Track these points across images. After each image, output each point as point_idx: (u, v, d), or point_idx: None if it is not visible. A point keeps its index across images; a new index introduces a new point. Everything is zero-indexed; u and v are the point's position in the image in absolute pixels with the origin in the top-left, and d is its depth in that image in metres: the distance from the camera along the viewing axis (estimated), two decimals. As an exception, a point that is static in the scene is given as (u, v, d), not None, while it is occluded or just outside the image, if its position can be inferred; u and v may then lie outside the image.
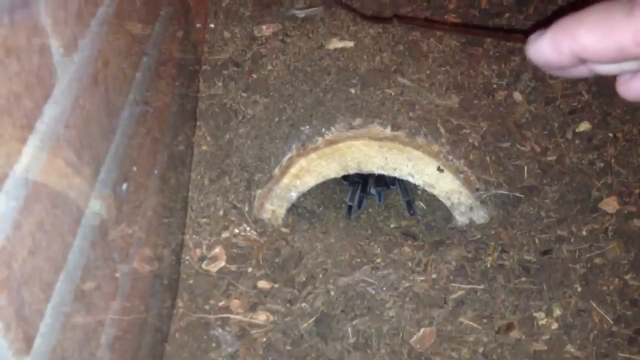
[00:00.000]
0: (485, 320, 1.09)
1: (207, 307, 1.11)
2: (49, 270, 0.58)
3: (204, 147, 1.29)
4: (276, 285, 1.15)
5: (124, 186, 0.81)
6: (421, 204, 1.34)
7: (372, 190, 1.33)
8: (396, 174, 1.20)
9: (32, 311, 0.54)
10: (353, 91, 1.27)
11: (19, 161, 0.52)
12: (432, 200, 1.30)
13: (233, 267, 1.16)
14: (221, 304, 1.12)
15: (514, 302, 1.11)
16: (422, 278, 1.16)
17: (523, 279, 1.14)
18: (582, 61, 0.37)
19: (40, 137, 0.55)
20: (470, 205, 1.21)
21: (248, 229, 1.21)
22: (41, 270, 0.56)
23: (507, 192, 1.23)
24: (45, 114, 0.57)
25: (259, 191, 1.22)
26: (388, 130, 1.17)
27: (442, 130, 1.22)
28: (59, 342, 0.60)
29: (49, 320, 0.58)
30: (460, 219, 1.23)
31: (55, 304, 0.59)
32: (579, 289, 1.12)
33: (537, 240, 1.19)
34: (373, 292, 1.14)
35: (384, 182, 1.31)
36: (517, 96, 1.36)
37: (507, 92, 1.36)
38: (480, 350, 1.06)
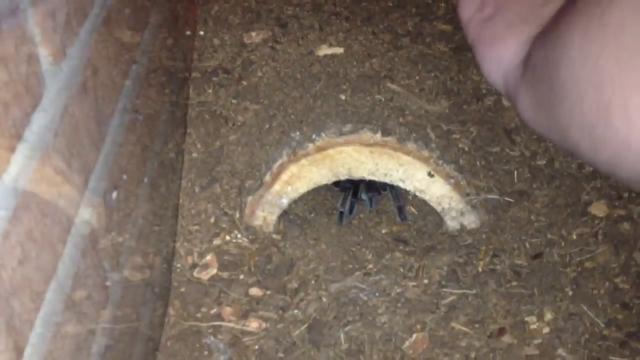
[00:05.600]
0: (477, 325, 1.10)
1: (199, 315, 1.11)
2: (39, 280, 0.58)
3: (195, 154, 1.29)
4: (268, 292, 1.14)
5: (114, 194, 0.80)
6: (412, 209, 1.34)
7: (363, 196, 1.33)
8: (387, 180, 1.20)
9: (22, 321, 0.54)
10: (343, 97, 1.27)
11: (7, 170, 0.52)
12: (423, 206, 1.30)
13: (225, 275, 1.16)
14: (213, 311, 1.12)
15: (505, 307, 1.11)
16: (414, 283, 1.16)
17: (514, 283, 1.14)
18: None
19: (29, 146, 0.55)
20: (461, 210, 1.21)
21: (239, 236, 1.21)
22: (31, 279, 0.56)
23: (497, 197, 1.23)
24: (34, 123, 0.56)
25: (249, 198, 1.22)
26: (378, 136, 1.17)
27: (432, 135, 1.22)
28: (49, 352, 0.59)
29: (40, 330, 0.57)
30: (451, 224, 1.23)
31: (46, 313, 0.59)
32: (570, 293, 1.12)
33: (527, 245, 1.19)
34: (365, 298, 1.14)
35: (374, 187, 1.32)
36: (506, 101, 1.36)
37: (496, 97, 1.37)
38: (473, 355, 1.06)
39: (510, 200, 1.24)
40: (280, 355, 1.06)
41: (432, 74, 1.36)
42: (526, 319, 1.10)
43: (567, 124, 0.39)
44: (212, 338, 1.08)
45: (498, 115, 1.35)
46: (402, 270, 1.18)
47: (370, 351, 1.07)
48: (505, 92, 0.50)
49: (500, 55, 0.49)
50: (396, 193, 1.30)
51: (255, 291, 1.14)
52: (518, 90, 0.47)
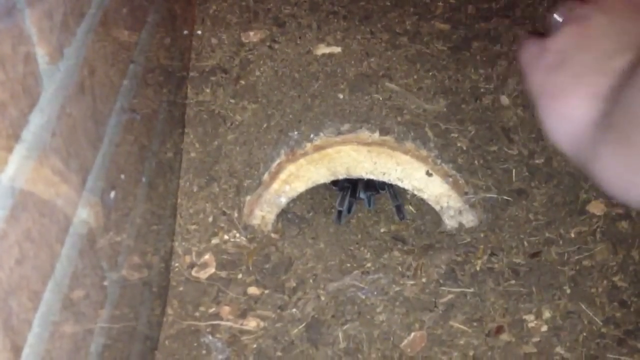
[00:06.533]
0: (475, 324, 1.10)
1: (197, 314, 1.11)
2: (37, 280, 0.58)
3: (193, 154, 1.29)
4: (266, 291, 1.14)
5: (112, 194, 0.80)
6: (410, 208, 1.34)
7: (362, 195, 1.33)
8: (385, 179, 1.20)
9: (20, 321, 0.54)
10: (341, 96, 1.27)
11: (5, 170, 0.52)
12: (421, 205, 1.31)
13: (223, 274, 1.16)
14: (211, 310, 1.12)
15: (503, 305, 1.12)
16: (412, 282, 1.16)
17: (512, 281, 1.14)
18: None
19: (27, 145, 0.55)
20: (459, 209, 1.21)
21: (238, 235, 1.21)
22: (29, 279, 0.56)
23: (495, 196, 1.23)
24: (31, 123, 0.56)
25: (248, 197, 1.22)
26: (376, 135, 1.18)
27: (430, 134, 1.22)
28: (47, 352, 0.59)
29: (37, 330, 0.57)
30: (450, 223, 1.23)
31: (43, 313, 0.59)
32: (568, 291, 1.13)
33: (526, 243, 1.19)
34: (363, 296, 1.14)
35: (373, 186, 1.32)
36: (504, 100, 1.36)
37: (494, 96, 1.37)
38: (471, 353, 1.06)
39: (509, 199, 1.24)
40: (279, 354, 1.06)
41: (430, 73, 1.36)
42: (524, 317, 1.10)
43: None
44: (210, 337, 1.08)
45: (496, 114, 1.35)
46: (400, 269, 1.18)
47: (368, 350, 1.07)
48: (574, 152, 0.45)
49: (569, 112, 0.44)
50: (394, 192, 1.31)
51: (253, 290, 1.14)
52: (598, 152, 0.42)
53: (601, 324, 1.08)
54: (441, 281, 1.16)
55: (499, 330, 1.08)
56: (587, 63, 0.44)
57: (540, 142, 1.32)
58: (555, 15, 0.48)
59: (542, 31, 0.50)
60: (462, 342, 1.08)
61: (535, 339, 1.07)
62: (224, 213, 1.23)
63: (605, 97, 0.42)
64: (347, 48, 1.39)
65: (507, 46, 1.47)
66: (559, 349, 1.06)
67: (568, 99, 0.44)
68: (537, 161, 1.29)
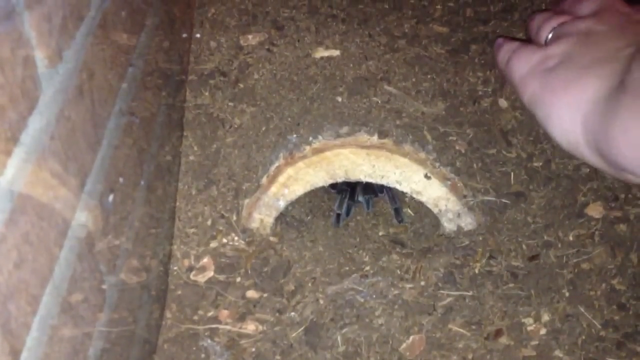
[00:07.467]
0: (474, 327, 1.10)
1: (195, 317, 1.11)
2: (35, 283, 0.58)
3: (191, 157, 1.29)
4: (265, 295, 1.14)
5: (111, 197, 0.80)
6: (409, 211, 1.34)
7: (360, 198, 1.33)
8: (384, 182, 1.20)
9: (19, 324, 0.54)
10: (340, 99, 1.27)
11: (3, 173, 0.52)
12: (419, 208, 1.31)
13: (221, 277, 1.16)
14: (210, 314, 1.11)
15: (502, 308, 1.12)
16: (411, 285, 1.16)
17: (511, 284, 1.14)
18: None
19: (25, 149, 0.55)
20: (458, 212, 1.21)
21: (236, 238, 1.21)
22: (27, 283, 0.56)
23: (494, 199, 1.23)
24: (30, 126, 0.56)
25: (246, 200, 1.22)
26: (375, 138, 1.18)
27: (428, 137, 1.22)
28: (45, 355, 0.59)
29: (36, 334, 0.57)
30: (448, 226, 1.23)
31: (42, 316, 0.59)
32: (567, 294, 1.13)
33: (524, 246, 1.19)
34: (362, 300, 1.14)
35: (371, 189, 1.32)
36: (503, 103, 1.37)
37: (492, 98, 1.37)
38: (470, 357, 1.06)
39: (507, 201, 1.24)
40: (277, 357, 1.06)
41: (429, 76, 1.36)
42: (523, 320, 1.10)
43: None
44: (209, 341, 1.08)
45: (494, 117, 1.35)
46: (399, 272, 1.18)
47: (367, 353, 1.07)
48: (582, 139, 0.47)
49: (578, 96, 0.47)
50: (393, 195, 1.31)
51: (252, 294, 1.14)
52: (613, 121, 0.44)
53: (600, 327, 1.08)
54: (440, 284, 1.16)
55: (498, 333, 1.08)
56: (596, 56, 0.48)
57: (538, 145, 1.32)
58: (550, 35, 0.54)
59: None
60: (460, 345, 1.07)
61: (534, 342, 1.07)
62: (223, 216, 1.23)
63: (618, 73, 0.45)
64: (346, 51, 1.40)
65: (506, 49, 1.47)
66: (557, 352, 1.06)
67: (578, 86, 0.47)
68: (535, 164, 1.29)
